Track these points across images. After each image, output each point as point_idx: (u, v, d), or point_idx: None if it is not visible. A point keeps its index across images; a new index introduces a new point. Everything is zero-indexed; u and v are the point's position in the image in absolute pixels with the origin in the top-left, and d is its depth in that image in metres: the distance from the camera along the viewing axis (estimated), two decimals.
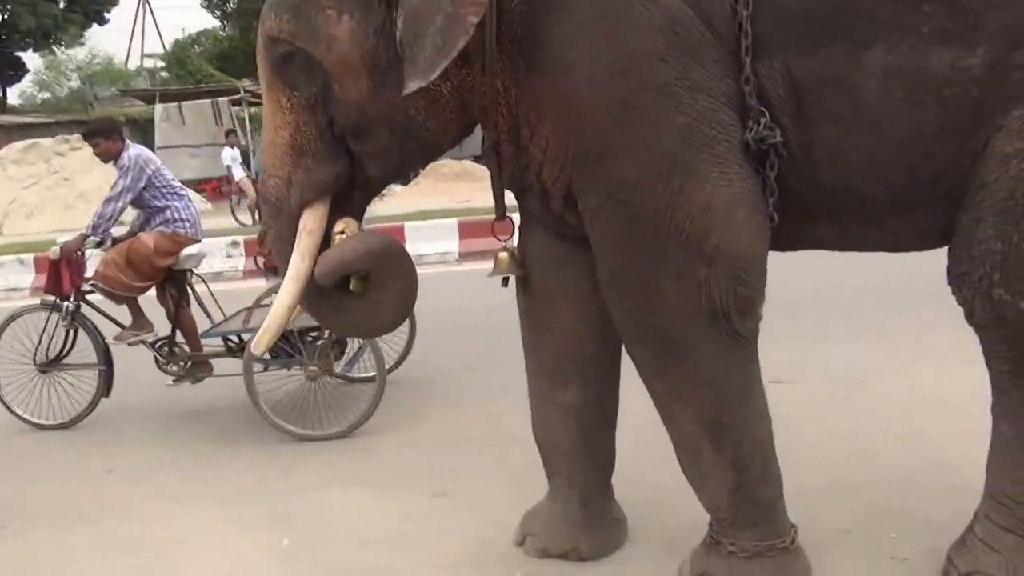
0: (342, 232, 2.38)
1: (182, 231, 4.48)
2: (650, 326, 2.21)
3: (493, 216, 2.54)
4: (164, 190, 4.48)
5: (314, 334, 4.23)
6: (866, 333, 5.04)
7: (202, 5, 32.19)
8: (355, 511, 3.29)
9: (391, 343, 4.86)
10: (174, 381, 4.56)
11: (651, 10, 2.04)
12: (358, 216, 2.48)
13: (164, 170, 4.53)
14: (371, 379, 4.33)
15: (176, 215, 4.48)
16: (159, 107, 19.59)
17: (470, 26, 2.04)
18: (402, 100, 2.18)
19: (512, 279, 2.61)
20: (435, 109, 2.27)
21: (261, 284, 5.46)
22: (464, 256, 9.14)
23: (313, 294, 2.42)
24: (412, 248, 8.54)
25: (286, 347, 4.18)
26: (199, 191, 16.80)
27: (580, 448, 2.68)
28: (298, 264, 2.36)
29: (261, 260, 4.37)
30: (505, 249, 2.56)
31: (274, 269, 4.30)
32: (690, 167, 2.07)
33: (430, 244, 9.08)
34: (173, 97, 20.12)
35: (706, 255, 2.10)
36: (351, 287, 2.44)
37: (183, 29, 33.80)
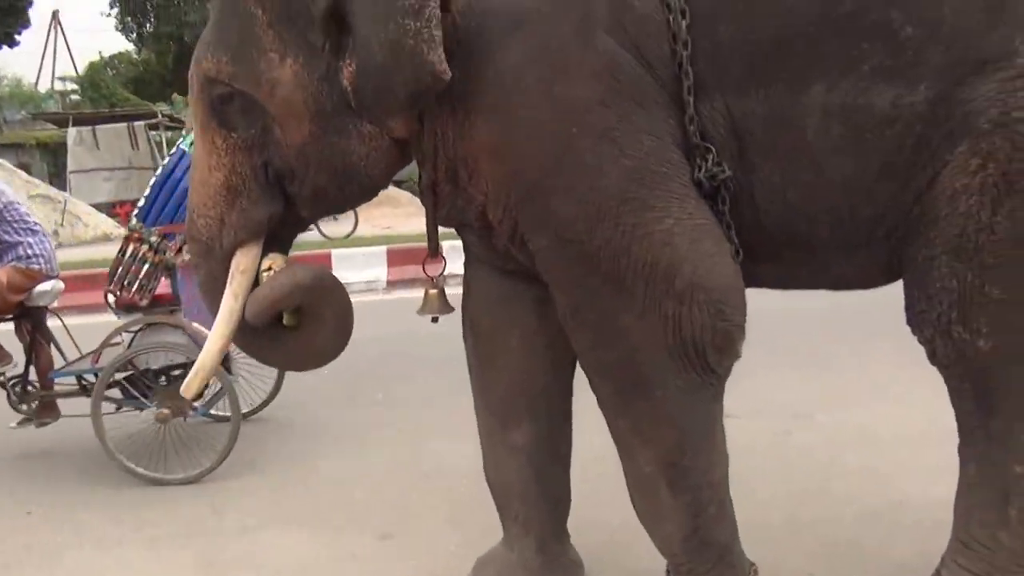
0: (269, 269, 2.36)
1: (36, 266, 4.33)
2: (612, 362, 2.16)
3: (423, 244, 2.49)
4: (17, 225, 4.33)
5: (175, 372, 4.15)
6: (816, 366, 5.04)
7: (117, 28, 31.44)
8: (293, 555, 3.15)
9: (257, 383, 4.70)
10: (18, 423, 4.38)
11: (587, 55, 2.03)
12: (285, 250, 2.44)
13: (17, 205, 4.38)
14: (228, 419, 4.18)
15: (30, 251, 4.33)
16: (72, 131, 19.06)
17: (441, 79, 2.01)
18: (344, 144, 2.19)
19: (461, 315, 2.59)
20: (378, 154, 2.23)
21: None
22: (393, 284, 9.08)
23: (247, 332, 2.37)
24: (339, 276, 8.55)
25: (138, 388, 4.11)
26: (113, 215, 16.30)
27: (534, 488, 2.62)
28: (231, 304, 2.32)
29: (112, 298, 4.24)
30: (435, 287, 2.52)
31: (126, 307, 4.27)
32: (645, 204, 2.04)
33: (358, 272, 8.97)
34: (87, 121, 19.59)
35: (677, 291, 2.05)
36: (284, 322, 2.40)
37: (100, 52, 32.78)
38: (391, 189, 14.17)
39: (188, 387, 2.42)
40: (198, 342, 3.83)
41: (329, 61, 2.14)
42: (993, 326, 2.04)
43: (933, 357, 2.15)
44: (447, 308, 2.53)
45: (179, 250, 3.98)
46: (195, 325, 4.18)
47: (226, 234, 2.31)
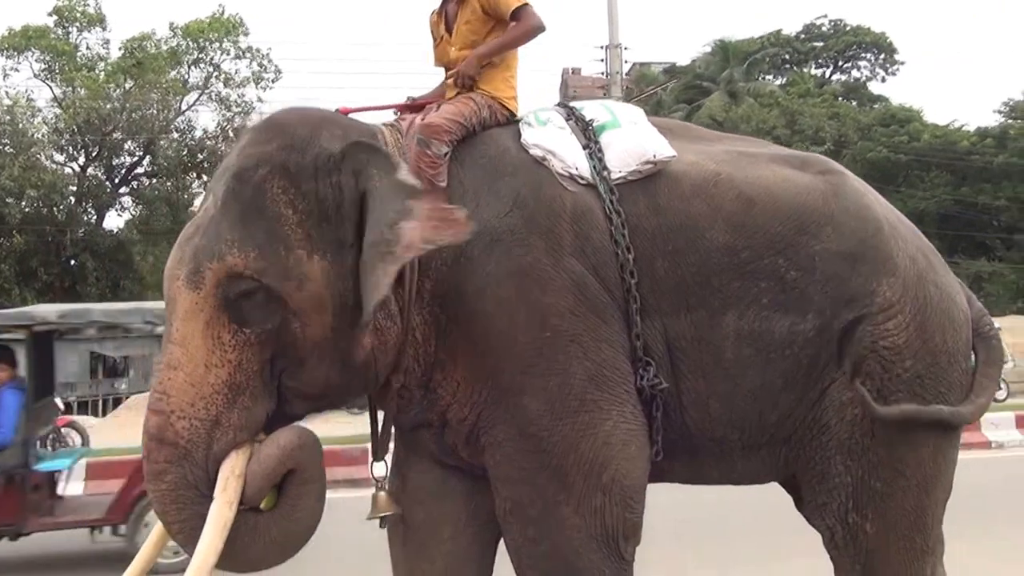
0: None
1: None
2: (549, 553, 2.43)
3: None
4: None
5: None
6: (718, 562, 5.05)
7: None
8: None
9: None
10: None
11: (558, 272, 2.44)
12: None
13: None
14: None
15: None
16: None
17: (380, 294, 2.25)
18: (360, 336, 2.34)
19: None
20: (386, 347, 2.40)
21: None
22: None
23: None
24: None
25: None
26: None
27: None
28: (226, 514, 2.23)
29: None
30: (382, 489, 2.65)
31: None
32: (596, 405, 2.42)
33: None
34: None
35: (603, 484, 2.41)
36: (262, 506, 2.34)
37: None
38: None
39: None
40: None
41: (354, 256, 2.35)
42: (876, 512, 2.57)
43: (831, 542, 2.63)
44: (396, 508, 2.65)
45: None
46: None
47: (221, 436, 2.29)
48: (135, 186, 22.06)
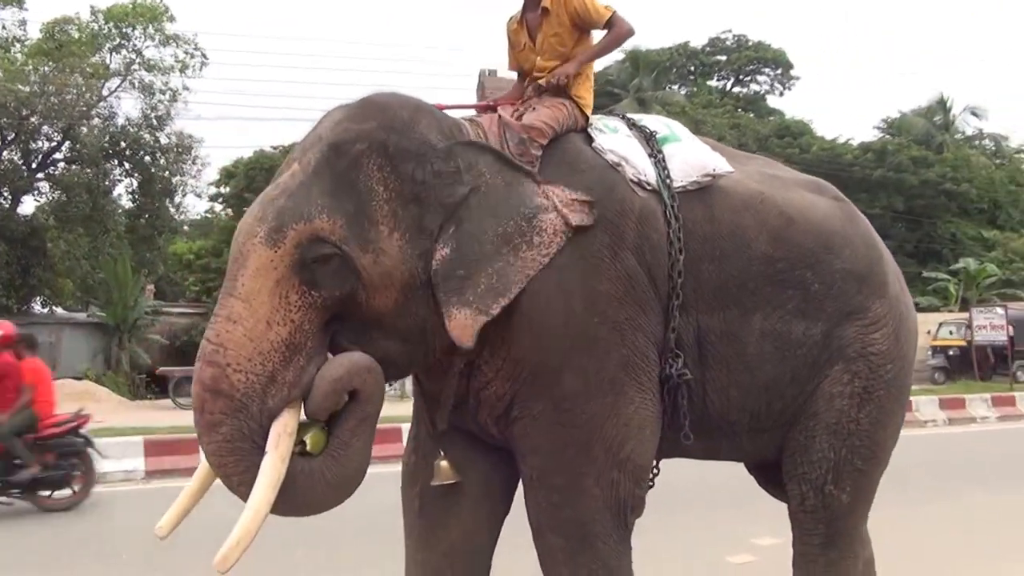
0: (302, 443, 2.36)
1: None
2: (569, 519, 2.63)
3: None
4: None
5: None
6: None
7: None
8: None
9: None
10: None
11: (617, 263, 2.65)
12: None
13: None
14: None
15: None
16: None
17: (526, 278, 2.52)
18: (424, 313, 2.49)
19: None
20: (441, 330, 2.50)
21: None
22: (152, 474, 8.67)
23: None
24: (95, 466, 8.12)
25: None
26: None
27: None
28: (279, 468, 2.28)
29: None
30: (444, 458, 2.78)
31: None
32: (623, 389, 2.63)
33: (115, 462, 8.55)
34: None
35: (620, 461, 2.63)
36: (310, 446, 2.37)
37: None
38: (90, 385, 14.16)
39: (226, 559, 2.21)
40: None
41: (430, 241, 2.49)
42: (853, 487, 2.96)
43: (801, 506, 2.98)
44: (457, 476, 2.79)
45: None
46: None
47: (275, 392, 2.32)
48: (52, 172, 21.55)
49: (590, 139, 2.87)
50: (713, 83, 38.11)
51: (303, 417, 2.40)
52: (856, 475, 2.94)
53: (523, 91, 3.04)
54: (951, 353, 19.72)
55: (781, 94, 38.67)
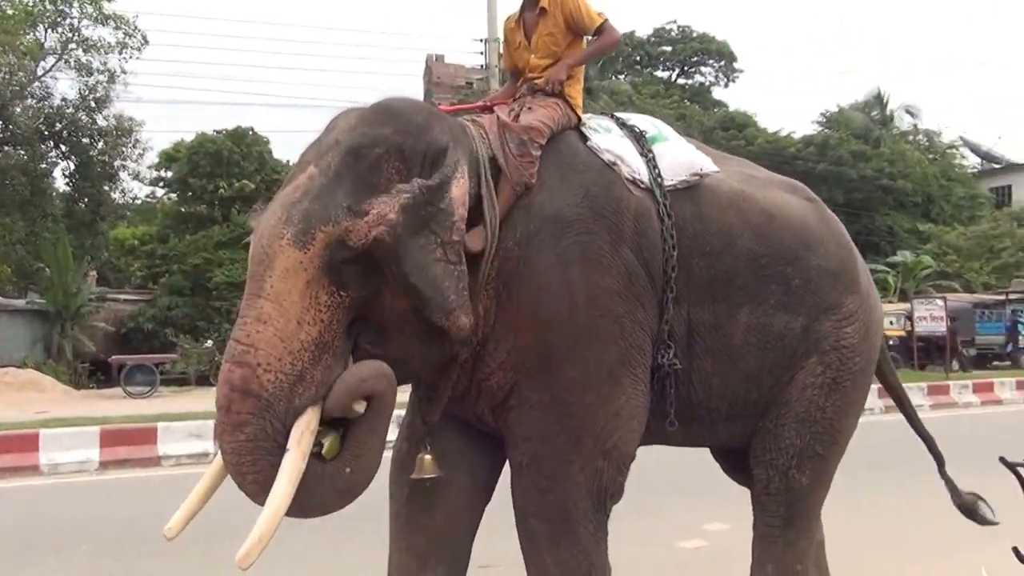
0: (320, 445, 2.38)
1: None
2: (554, 504, 2.71)
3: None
4: None
5: None
6: None
7: None
8: None
9: None
10: None
11: (617, 259, 2.76)
12: None
13: None
14: None
15: None
16: None
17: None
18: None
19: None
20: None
21: None
22: (106, 464, 8.49)
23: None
24: (47, 458, 8.26)
25: None
26: None
27: None
28: (300, 465, 2.32)
29: None
30: (428, 453, 2.80)
31: None
32: (617, 381, 2.74)
33: (67, 453, 8.44)
34: None
35: (606, 450, 2.73)
36: (325, 451, 2.40)
37: None
38: (34, 374, 14.02)
39: (248, 555, 2.22)
40: None
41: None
42: (813, 470, 3.10)
43: (765, 489, 3.11)
44: (439, 471, 2.80)
45: None
46: None
47: (303, 391, 2.36)
48: None
49: (584, 138, 2.95)
50: (659, 73, 38.48)
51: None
52: (817, 460, 3.09)
53: (516, 89, 3.13)
54: (892, 343, 20.30)
55: (725, 86, 39.40)
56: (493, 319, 2.68)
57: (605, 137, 2.97)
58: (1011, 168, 39.51)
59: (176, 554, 4.58)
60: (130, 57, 21.81)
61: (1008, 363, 21.79)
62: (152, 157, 24.27)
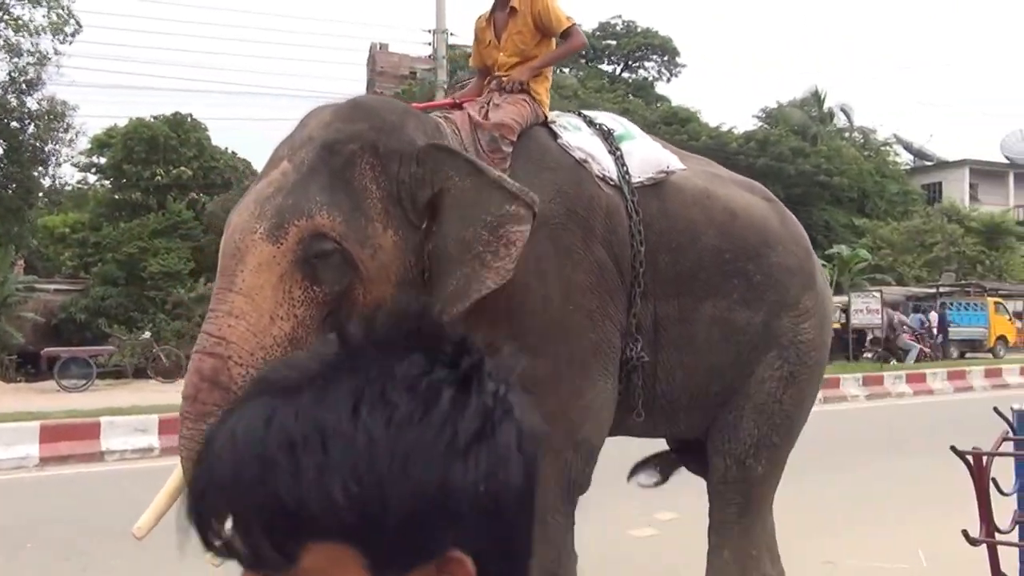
0: None
1: None
2: None
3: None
4: None
5: None
6: None
7: None
8: None
9: None
10: None
11: (588, 255, 2.84)
12: None
13: None
14: None
15: None
16: None
17: (487, 288, 2.56)
18: None
19: None
20: None
21: None
22: (46, 461, 8.18)
23: None
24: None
25: None
26: None
27: None
28: None
29: None
30: None
31: None
32: (588, 374, 2.82)
33: (5, 449, 8.12)
34: None
35: (576, 442, 2.80)
36: None
37: None
38: None
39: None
40: None
41: (421, 238, 2.60)
42: (767, 460, 3.19)
43: (723, 477, 3.18)
44: None
45: None
46: None
47: None
48: None
49: (555, 135, 3.03)
50: (604, 67, 38.69)
51: None
52: (772, 449, 3.20)
53: (484, 87, 3.21)
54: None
55: (668, 80, 39.74)
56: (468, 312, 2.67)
57: (575, 135, 3.05)
58: (941, 166, 40.95)
59: (130, 550, 4.52)
60: (63, 41, 21.15)
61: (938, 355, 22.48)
62: (86, 143, 23.60)
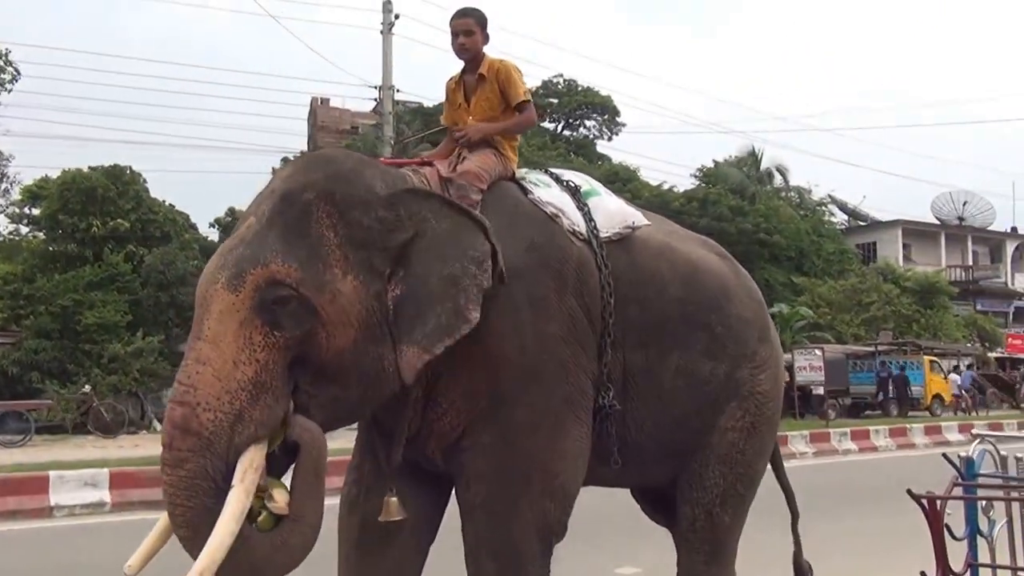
0: (266, 491, 2.45)
1: None
2: (505, 543, 2.81)
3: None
4: None
5: None
6: None
7: None
8: None
9: None
10: None
11: (561, 305, 2.91)
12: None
13: None
14: None
15: None
16: None
17: (470, 322, 2.63)
18: (379, 351, 2.61)
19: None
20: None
21: None
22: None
23: None
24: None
25: None
26: None
27: None
28: (244, 501, 2.36)
29: None
30: (393, 495, 2.85)
31: None
32: (563, 423, 2.88)
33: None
34: None
35: (553, 490, 2.85)
36: (259, 522, 2.44)
37: None
38: None
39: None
40: None
41: (385, 283, 2.64)
42: (734, 509, 3.33)
43: (691, 527, 3.30)
44: (403, 514, 2.87)
45: None
46: None
47: (243, 429, 2.42)
48: None
49: (524, 191, 3.13)
50: (546, 125, 39.20)
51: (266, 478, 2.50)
52: (737, 499, 3.35)
53: (453, 148, 3.26)
54: None
55: (609, 139, 40.35)
56: (444, 359, 2.69)
57: (546, 191, 3.15)
58: (875, 226, 42.09)
59: None
60: (1, 90, 20.76)
61: (879, 412, 22.87)
62: (17, 193, 22.99)
